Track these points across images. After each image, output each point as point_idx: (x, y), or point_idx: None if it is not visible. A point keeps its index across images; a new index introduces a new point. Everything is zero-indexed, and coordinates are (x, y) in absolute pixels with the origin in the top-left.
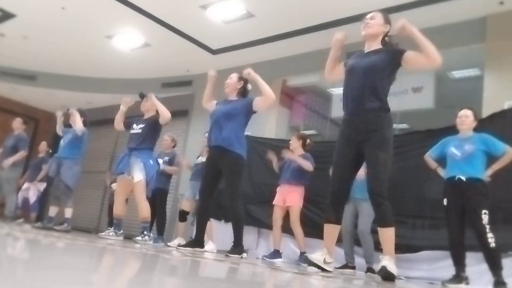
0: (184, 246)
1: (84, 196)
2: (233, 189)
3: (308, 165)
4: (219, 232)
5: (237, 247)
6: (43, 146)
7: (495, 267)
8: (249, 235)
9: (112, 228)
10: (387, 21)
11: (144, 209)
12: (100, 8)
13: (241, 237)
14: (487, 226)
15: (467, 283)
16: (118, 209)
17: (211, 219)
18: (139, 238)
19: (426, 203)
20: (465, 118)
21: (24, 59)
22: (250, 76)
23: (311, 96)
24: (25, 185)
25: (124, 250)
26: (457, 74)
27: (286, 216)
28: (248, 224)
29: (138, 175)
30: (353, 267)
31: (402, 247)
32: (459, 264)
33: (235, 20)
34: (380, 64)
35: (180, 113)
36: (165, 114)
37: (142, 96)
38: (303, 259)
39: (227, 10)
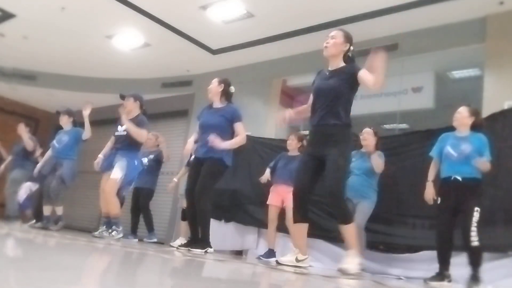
0: (183, 246)
1: (84, 196)
2: (201, 188)
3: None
4: (220, 232)
5: (202, 242)
6: (21, 129)
7: (475, 264)
8: (249, 235)
9: (104, 227)
10: (348, 40)
11: (113, 206)
12: (100, 8)
13: (207, 233)
14: (475, 224)
15: (450, 281)
16: (105, 206)
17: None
18: (106, 233)
19: (426, 203)
20: (457, 115)
21: (24, 59)
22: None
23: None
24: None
25: (123, 250)
26: (457, 74)
27: (282, 216)
28: (248, 224)
29: (117, 172)
30: None
31: (402, 247)
32: (444, 262)
33: (235, 20)
34: (338, 88)
35: (180, 113)
36: (140, 138)
37: (123, 97)
38: (275, 263)
39: (227, 10)
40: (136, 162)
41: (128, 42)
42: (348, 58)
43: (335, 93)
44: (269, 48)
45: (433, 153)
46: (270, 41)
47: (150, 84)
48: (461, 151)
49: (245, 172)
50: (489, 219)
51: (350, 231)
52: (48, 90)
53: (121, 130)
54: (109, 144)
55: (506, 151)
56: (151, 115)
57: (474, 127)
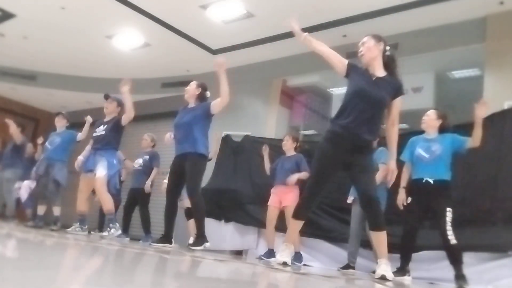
0: (155, 242)
1: None
2: (193, 186)
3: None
4: (220, 232)
5: (199, 239)
6: (10, 122)
7: (456, 262)
8: (249, 235)
9: (78, 223)
10: (379, 39)
11: (106, 201)
12: (100, 8)
13: (203, 229)
14: (450, 223)
15: (409, 275)
16: (81, 205)
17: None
18: (105, 234)
19: None
20: (426, 117)
21: (24, 59)
22: (219, 69)
23: (311, 96)
24: (16, 184)
25: (123, 250)
26: (457, 74)
27: (281, 216)
28: (248, 224)
29: (101, 170)
30: (353, 268)
31: None
32: (407, 258)
33: (235, 20)
34: (386, 101)
35: None
36: (130, 113)
37: (107, 97)
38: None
39: (227, 10)
40: (114, 161)
41: (128, 42)
42: (388, 59)
43: (382, 107)
44: (269, 48)
45: (405, 157)
46: (270, 41)
47: (150, 84)
48: (432, 152)
49: (245, 172)
50: (488, 219)
51: (383, 238)
52: (48, 90)
53: (100, 130)
54: (88, 147)
55: (505, 151)
56: (151, 115)
57: (442, 131)
